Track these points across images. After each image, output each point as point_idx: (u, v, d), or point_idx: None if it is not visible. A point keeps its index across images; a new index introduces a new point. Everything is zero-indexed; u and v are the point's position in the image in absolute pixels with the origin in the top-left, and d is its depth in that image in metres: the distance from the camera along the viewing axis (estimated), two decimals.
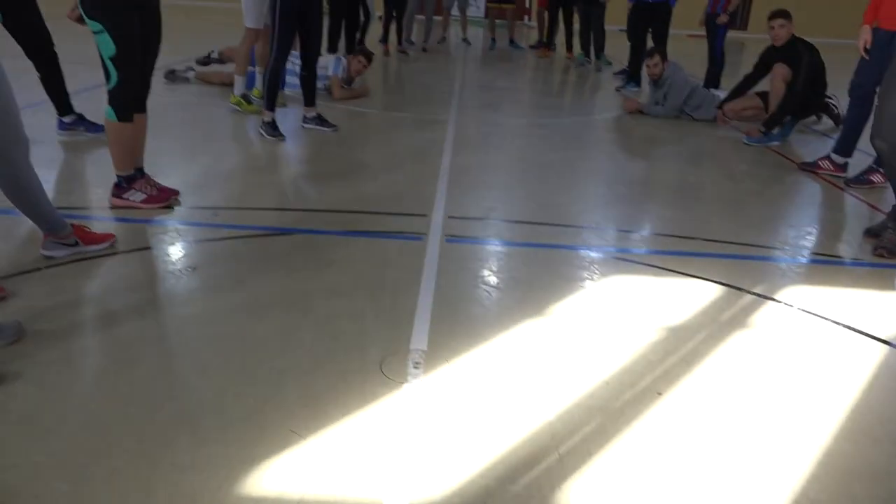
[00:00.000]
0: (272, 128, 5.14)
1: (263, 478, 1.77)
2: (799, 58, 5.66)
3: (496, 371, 2.30)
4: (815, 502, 1.80)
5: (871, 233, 3.64)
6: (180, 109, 6.01)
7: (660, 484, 1.82)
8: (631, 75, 8.28)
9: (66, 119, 4.75)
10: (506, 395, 2.17)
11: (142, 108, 3.49)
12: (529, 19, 16.41)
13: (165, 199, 3.64)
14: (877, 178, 4.57)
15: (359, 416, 2.03)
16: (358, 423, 1.99)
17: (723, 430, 2.07)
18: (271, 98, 5.12)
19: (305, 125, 5.46)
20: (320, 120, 5.47)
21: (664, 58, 6.69)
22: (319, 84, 5.87)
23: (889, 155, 3.51)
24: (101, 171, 4.14)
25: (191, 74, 6.98)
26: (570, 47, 10.85)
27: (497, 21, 12.44)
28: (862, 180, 4.62)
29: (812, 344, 2.60)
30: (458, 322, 2.62)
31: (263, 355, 2.33)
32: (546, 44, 11.37)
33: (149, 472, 1.78)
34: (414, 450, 1.90)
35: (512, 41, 12.26)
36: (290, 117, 5.76)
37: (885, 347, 2.60)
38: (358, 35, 9.29)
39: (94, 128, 4.74)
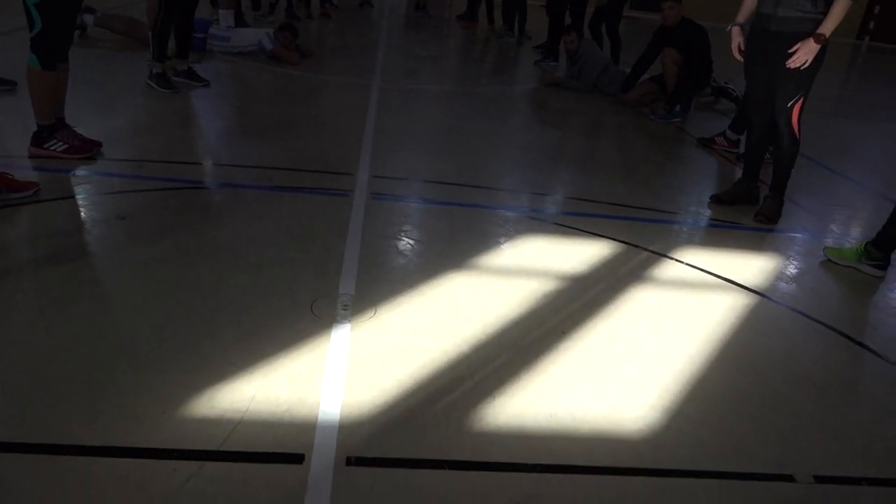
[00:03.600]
0: (163, 79, 5.15)
1: (204, 403, 1.93)
2: (690, 39, 6.09)
3: (418, 312, 2.52)
4: (689, 419, 2.11)
5: (717, 199, 4.09)
6: (95, 61, 5.86)
7: (559, 405, 2.09)
8: (549, 50, 8.58)
9: None
10: (427, 332, 2.39)
11: (65, 58, 3.47)
12: None
13: (88, 150, 3.63)
14: (720, 140, 5.34)
15: (292, 350, 2.20)
16: (291, 356, 2.17)
17: (616, 361, 2.36)
18: (159, 50, 5.13)
19: (176, 78, 5.39)
20: (190, 74, 5.46)
21: (580, 35, 7.01)
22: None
23: (760, 134, 3.94)
24: (13, 119, 4.07)
25: (89, 19, 6.53)
26: (491, 20, 11.06)
27: None
28: (707, 140, 5.38)
29: (694, 293, 2.95)
30: (384, 270, 2.81)
31: (197, 297, 2.45)
32: (470, 16, 11.54)
33: (93, 398, 1.90)
34: (344, 378, 2.10)
35: (425, 8, 12.41)
36: (210, 73, 5.72)
37: (754, 296, 2.98)
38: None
39: None
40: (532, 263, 3.03)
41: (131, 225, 2.98)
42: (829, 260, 3.43)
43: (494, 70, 8.76)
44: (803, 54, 3.49)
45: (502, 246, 3.18)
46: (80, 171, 3.47)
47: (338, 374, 2.11)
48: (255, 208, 3.31)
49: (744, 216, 3.94)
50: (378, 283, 2.69)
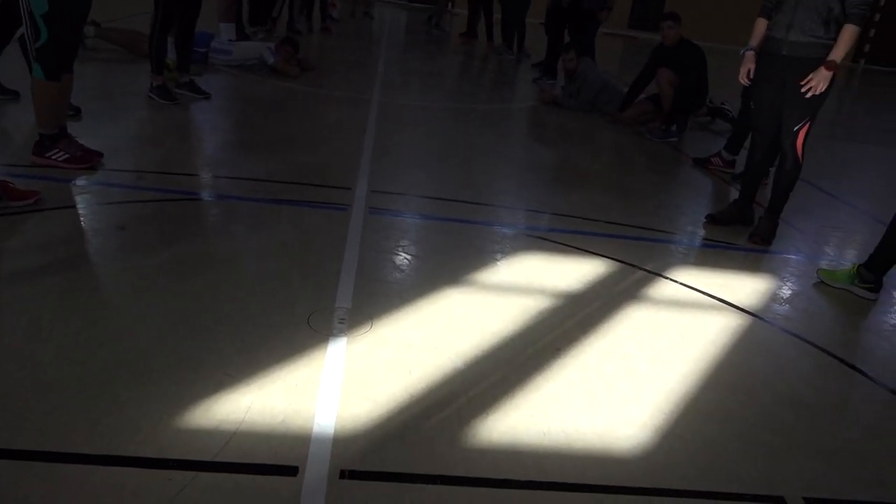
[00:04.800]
0: (163, 91, 5.19)
1: (201, 413, 1.94)
2: (687, 60, 6.16)
3: (414, 327, 2.54)
4: (681, 438, 2.13)
5: (712, 218, 4.12)
6: (99, 73, 5.90)
7: (551, 422, 2.11)
8: (547, 68, 8.65)
9: None
10: (422, 347, 2.41)
11: (69, 68, 3.50)
12: (453, 6, 16.64)
13: (89, 160, 3.66)
14: (716, 160, 5.40)
15: (288, 362, 2.22)
16: (288, 369, 2.19)
17: (609, 380, 2.38)
18: (157, 62, 5.16)
19: (178, 90, 5.44)
20: (192, 86, 5.51)
21: (579, 53, 7.08)
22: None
23: (761, 156, 3.99)
24: (15, 128, 4.10)
25: (89, 31, 6.47)
26: (490, 37, 11.15)
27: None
28: (703, 160, 5.44)
29: (688, 312, 2.98)
30: (380, 284, 2.84)
31: (197, 308, 2.47)
32: (470, 33, 11.65)
33: (91, 406, 1.91)
34: (339, 392, 2.12)
35: (438, 25, 12.58)
36: (211, 86, 5.76)
37: (748, 317, 3.01)
38: (282, 11, 9.30)
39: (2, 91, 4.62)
40: (528, 280, 3.06)
41: (131, 235, 3.00)
42: (823, 282, 3.47)
43: (493, 87, 8.83)
44: (817, 82, 3.53)
45: (498, 262, 3.21)
46: (81, 181, 3.49)
47: (333, 387, 2.13)
48: (253, 221, 3.34)
49: (739, 237, 3.98)
50: (374, 297, 2.72)
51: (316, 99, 6.15)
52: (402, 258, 3.13)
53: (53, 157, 3.57)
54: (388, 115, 5.85)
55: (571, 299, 2.93)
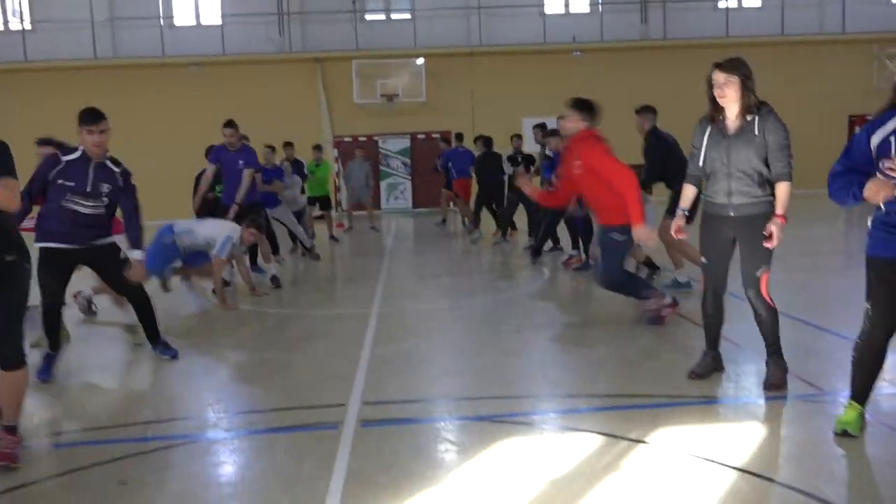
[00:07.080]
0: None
1: None
2: None
3: None
4: None
5: (696, 375, 4.19)
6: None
7: None
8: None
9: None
10: None
11: (5, 365, 3.28)
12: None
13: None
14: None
15: None
16: None
17: None
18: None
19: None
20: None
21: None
22: None
23: (715, 305, 4.18)
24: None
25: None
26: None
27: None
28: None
29: (676, 480, 2.97)
30: None
31: None
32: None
33: None
34: None
35: (463, 222, 13.31)
36: (215, 319, 6.12)
37: (738, 474, 2.97)
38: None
39: None
40: (509, 473, 3.10)
41: (129, 490, 3.12)
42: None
43: (494, 278, 9.17)
44: (778, 233, 3.79)
45: (481, 457, 3.26)
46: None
47: None
48: (245, 457, 3.50)
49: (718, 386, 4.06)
50: None
51: (314, 320, 6.50)
52: (389, 472, 3.15)
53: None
54: (388, 325, 6.08)
55: (552, 485, 2.95)
